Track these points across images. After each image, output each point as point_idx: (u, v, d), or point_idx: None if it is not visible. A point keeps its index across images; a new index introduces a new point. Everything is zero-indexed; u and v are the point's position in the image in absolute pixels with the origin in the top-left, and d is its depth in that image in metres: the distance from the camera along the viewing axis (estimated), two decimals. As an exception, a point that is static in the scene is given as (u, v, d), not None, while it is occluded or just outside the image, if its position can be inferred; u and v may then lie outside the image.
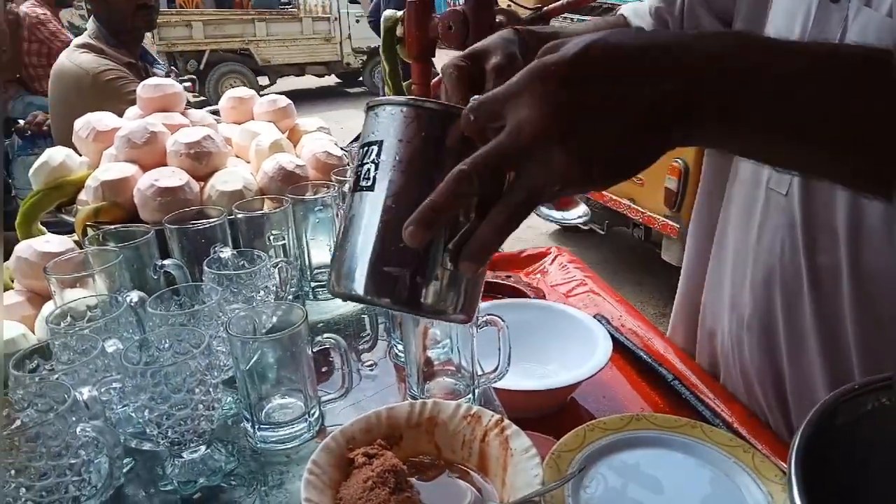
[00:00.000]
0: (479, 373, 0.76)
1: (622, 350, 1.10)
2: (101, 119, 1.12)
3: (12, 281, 0.94)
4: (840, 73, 0.42)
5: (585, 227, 3.81)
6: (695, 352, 1.08)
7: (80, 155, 1.12)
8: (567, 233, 4.23)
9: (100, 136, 1.10)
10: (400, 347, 0.87)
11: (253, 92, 1.30)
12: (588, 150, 0.40)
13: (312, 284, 1.02)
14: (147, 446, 0.65)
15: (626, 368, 1.07)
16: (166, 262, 0.85)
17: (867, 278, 0.69)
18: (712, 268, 0.98)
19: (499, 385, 0.86)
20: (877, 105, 0.41)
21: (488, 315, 0.74)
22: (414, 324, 0.73)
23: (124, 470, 0.67)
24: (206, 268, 0.80)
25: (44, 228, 1.07)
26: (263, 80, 9.30)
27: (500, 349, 0.75)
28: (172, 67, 7.07)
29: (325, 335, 0.71)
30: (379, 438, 0.62)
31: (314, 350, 0.71)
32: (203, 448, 0.66)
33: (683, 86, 0.40)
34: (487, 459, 0.61)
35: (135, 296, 0.77)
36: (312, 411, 0.72)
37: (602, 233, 3.65)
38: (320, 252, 1.02)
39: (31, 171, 1.05)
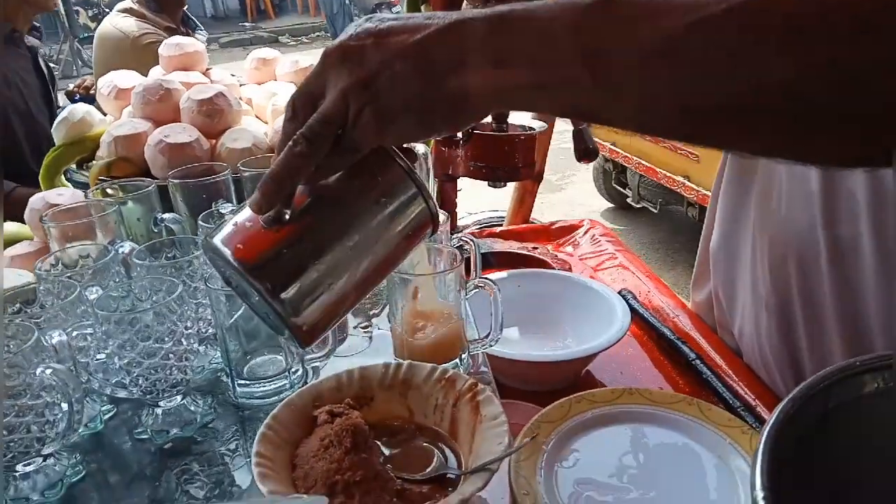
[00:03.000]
0: (471, 339, 0.72)
1: (646, 326, 1.05)
2: (124, 77, 1.13)
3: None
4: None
5: (637, 205, 3.68)
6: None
7: (105, 113, 1.14)
8: (619, 211, 4.10)
9: (121, 93, 1.11)
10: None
11: (277, 53, 1.28)
12: (390, 106, 0.43)
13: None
14: (123, 394, 0.64)
15: (649, 345, 1.02)
16: (166, 215, 0.84)
17: (891, 251, 0.62)
18: (730, 243, 0.91)
19: (509, 355, 0.83)
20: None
21: (480, 279, 0.70)
22: (402, 285, 0.70)
23: (105, 417, 0.68)
24: (200, 222, 0.79)
25: (67, 183, 1.09)
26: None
27: (492, 315, 0.71)
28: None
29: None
30: (348, 398, 0.59)
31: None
32: (178, 399, 0.66)
33: (458, 39, 0.41)
34: (458, 425, 0.57)
35: (127, 246, 0.77)
36: (294, 368, 0.70)
37: (655, 211, 3.52)
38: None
39: (53, 126, 1.06)
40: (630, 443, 0.59)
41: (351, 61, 0.43)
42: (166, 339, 0.61)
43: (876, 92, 0.33)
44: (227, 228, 0.48)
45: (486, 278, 0.71)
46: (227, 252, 0.46)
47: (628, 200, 3.77)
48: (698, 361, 0.93)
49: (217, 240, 0.47)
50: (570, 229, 1.48)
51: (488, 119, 1.19)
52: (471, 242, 0.82)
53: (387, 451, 0.57)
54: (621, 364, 0.98)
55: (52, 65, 1.98)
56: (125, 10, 1.71)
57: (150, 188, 0.85)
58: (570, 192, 4.63)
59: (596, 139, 3.92)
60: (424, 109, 0.44)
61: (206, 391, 0.72)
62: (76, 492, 0.60)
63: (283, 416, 0.56)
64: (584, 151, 1.25)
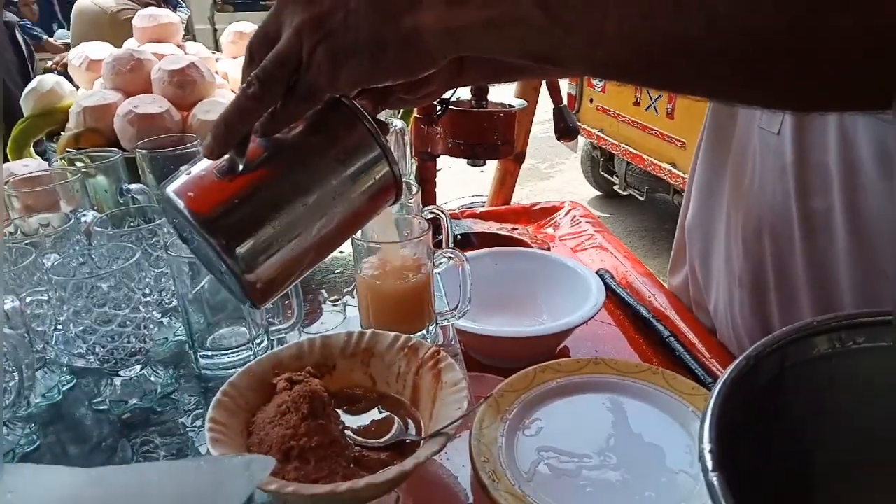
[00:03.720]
0: (438, 310, 0.71)
1: (622, 305, 1.05)
2: (95, 48, 1.10)
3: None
4: None
5: (624, 193, 3.68)
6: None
7: (77, 86, 1.11)
8: (606, 199, 4.10)
9: (93, 64, 1.08)
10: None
11: (255, 26, 1.26)
12: (343, 44, 0.42)
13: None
14: (81, 363, 0.63)
15: (625, 324, 1.02)
16: (132, 186, 0.82)
17: (863, 224, 0.61)
18: (705, 219, 0.90)
19: (483, 330, 0.82)
20: None
21: (448, 250, 0.69)
22: (367, 253, 0.69)
23: (64, 388, 0.66)
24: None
25: (36, 155, 1.07)
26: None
27: (460, 286, 0.70)
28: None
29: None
30: (309, 366, 0.58)
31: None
32: (138, 369, 0.64)
33: None
34: (420, 393, 0.57)
35: (90, 216, 0.75)
36: (258, 340, 0.69)
37: (642, 199, 3.52)
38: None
39: (22, 97, 1.04)
40: (593, 411, 0.58)
41: None
42: (123, 306, 0.59)
43: (832, 29, 0.32)
44: (182, 178, 0.46)
45: (454, 250, 0.70)
46: (180, 202, 0.44)
47: (615, 188, 3.77)
48: (672, 339, 0.93)
49: (170, 189, 0.45)
50: (551, 210, 1.47)
51: (468, 96, 1.18)
52: (442, 214, 0.81)
53: (347, 419, 0.56)
54: (596, 342, 0.97)
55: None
56: (103, -15, 1.69)
57: (116, 158, 0.84)
58: (557, 179, 4.63)
59: (584, 126, 3.92)
60: (378, 49, 0.42)
61: (168, 362, 0.70)
62: (30, 462, 0.58)
63: (241, 383, 0.55)
64: (564, 130, 1.24)
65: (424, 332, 0.69)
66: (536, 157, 4.97)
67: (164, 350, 0.73)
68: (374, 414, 0.57)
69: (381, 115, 1.10)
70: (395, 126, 1.09)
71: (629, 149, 3.36)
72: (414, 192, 0.75)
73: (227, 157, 0.45)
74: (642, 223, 3.84)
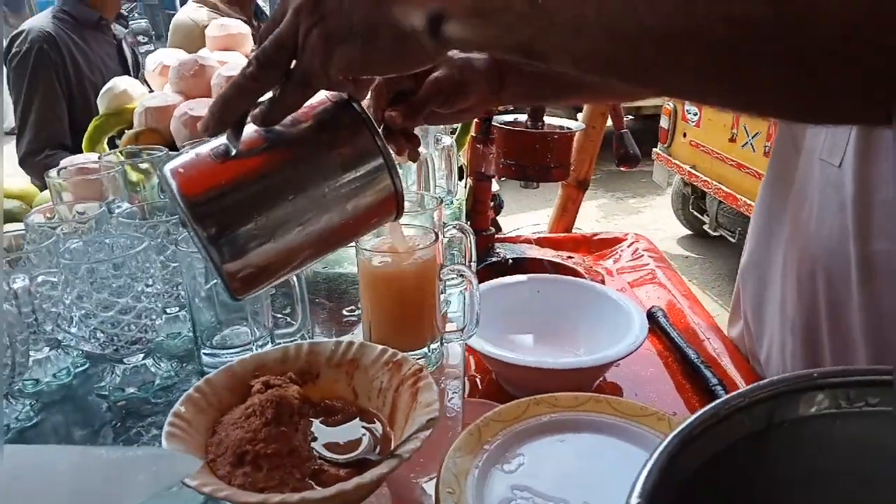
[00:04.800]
0: (443, 329, 0.68)
1: (672, 347, 0.97)
2: (169, 54, 1.16)
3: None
4: None
5: (715, 233, 3.48)
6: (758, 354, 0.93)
7: (151, 90, 1.18)
8: (696, 238, 3.90)
9: (165, 69, 1.14)
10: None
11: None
12: (337, 27, 0.42)
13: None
14: (86, 348, 0.64)
15: (673, 367, 0.95)
16: (173, 183, 0.85)
17: None
18: (761, 261, 0.82)
19: (507, 358, 0.78)
20: None
21: (455, 266, 0.66)
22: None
23: (76, 370, 0.68)
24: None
25: (109, 150, 1.13)
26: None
27: (466, 306, 0.67)
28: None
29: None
30: (292, 372, 0.57)
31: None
32: (140, 357, 0.65)
33: None
34: (396, 411, 0.53)
35: (124, 207, 0.78)
36: (261, 342, 0.68)
37: (733, 241, 3.32)
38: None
39: (98, 97, 1.11)
40: (584, 453, 0.53)
41: None
42: (123, 293, 0.60)
43: (828, 22, 0.27)
44: (181, 157, 0.46)
45: (464, 268, 0.67)
46: (173, 182, 0.44)
47: (705, 227, 3.58)
48: (719, 387, 0.85)
49: (167, 167, 0.45)
50: (612, 242, 1.41)
51: (523, 117, 1.14)
52: (465, 230, 0.78)
53: (321, 431, 0.54)
54: (637, 383, 0.91)
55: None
56: (199, 1, 1.80)
57: (160, 155, 0.87)
58: (647, 215, 4.46)
59: (675, 161, 3.78)
60: (370, 34, 0.43)
61: (177, 356, 0.71)
62: (27, 437, 0.60)
63: (218, 381, 0.54)
64: (624, 156, 1.18)
65: (426, 349, 0.66)
66: (626, 191, 4.83)
67: (175, 344, 0.74)
68: (349, 428, 0.54)
69: (436, 133, 1.10)
70: (446, 144, 1.08)
71: (722, 187, 3.19)
72: (434, 207, 0.72)
73: (224, 139, 0.45)
74: (734, 266, 3.61)
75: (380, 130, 0.48)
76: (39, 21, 1.80)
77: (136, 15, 8.84)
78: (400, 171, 0.49)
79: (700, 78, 0.33)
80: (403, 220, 0.71)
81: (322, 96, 0.47)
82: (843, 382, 0.35)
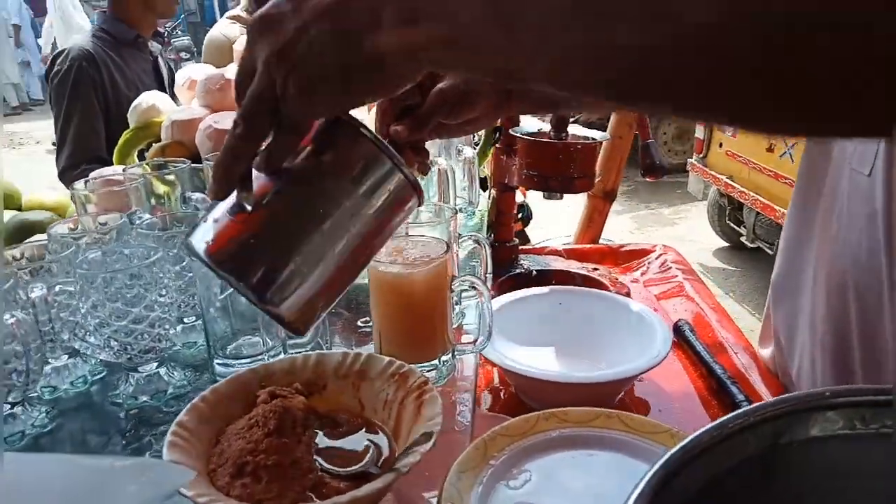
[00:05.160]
0: (457, 341, 0.67)
1: (699, 361, 0.94)
2: (198, 69, 1.19)
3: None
4: None
5: (752, 245, 3.39)
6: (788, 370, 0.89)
7: (180, 104, 1.21)
8: (733, 250, 3.81)
9: (193, 84, 1.17)
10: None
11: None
12: (311, 74, 0.41)
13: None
14: (102, 356, 0.65)
15: (698, 382, 0.91)
16: (194, 195, 0.87)
17: None
18: (792, 274, 0.79)
19: (524, 371, 0.76)
20: None
21: (467, 277, 0.65)
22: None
23: (94, 378, 0.69)
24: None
25: (138, 162, 1.16)
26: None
27: (479, 319, 0.66)
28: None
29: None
30: (298, 383, 0.56)
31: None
32: (154, 366, 0.66)
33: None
34: (401, 424, 0.53)
35: (146, 218, 0.79)
36: (273, 352, 0.68)
37: (771, 253, 3.22)
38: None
39: (129, 111, 1.14)
40: (593, 471, 0.51)
41: (270, 31, 0.42)
42: (136, 303, 0.61)
43: (806, 52, 0.26)
44: (202, 225, 0.46)
45: (476, 279, 0.66)
46: (204, 256, 0.44)
47: (742, 239, 3.49)
48: (745, 403, 0.81)
49: (192, 238, 0.46)
50: (640, 254, 1.38)
51: (547, 127, 1.13)
52: (481, 241, 0.77)
53: (326, 443, 0.53)
54: (661, 398, 0.88)
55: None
56: (233, 17, 1.84)
57: (182, 167, 0.88)
58: (682, 227, 4.38)
59: (711, 172, 3.71)
60: (344, 75, 0.41)
61: (192, 366, 0.72)
62: (42, 444, 0.61)
63: (224, 391, 0.54)
64: (650, 167, 1.16)
65: (437, 361, 0.65)
66: (662, 202, 4.75)
67: (191, 353, 0.74)
68: (354, 441, 0.54)
69: (458, 144, 1.09)
70: (467, 156, 1.07)
71: (759, 198, 3.10)
72: (449, 217, 0.72)
73: (235, 198, 0.45)
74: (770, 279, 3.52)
75: (380, 138, 0.47)
76: (80, 40, 1.86)
77: (179, 32, 9.11)
78: (421, 183, 0.50)
79: (685, 98, 0.31)
80: (421, 230, 0.72)
81: None
82: (858, 402, 0.33)
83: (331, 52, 0.40)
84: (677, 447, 0.29)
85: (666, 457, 0.29)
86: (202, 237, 0.45)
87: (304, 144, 0.46)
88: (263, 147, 0.45)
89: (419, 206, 0.50)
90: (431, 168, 0.97)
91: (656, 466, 0.29)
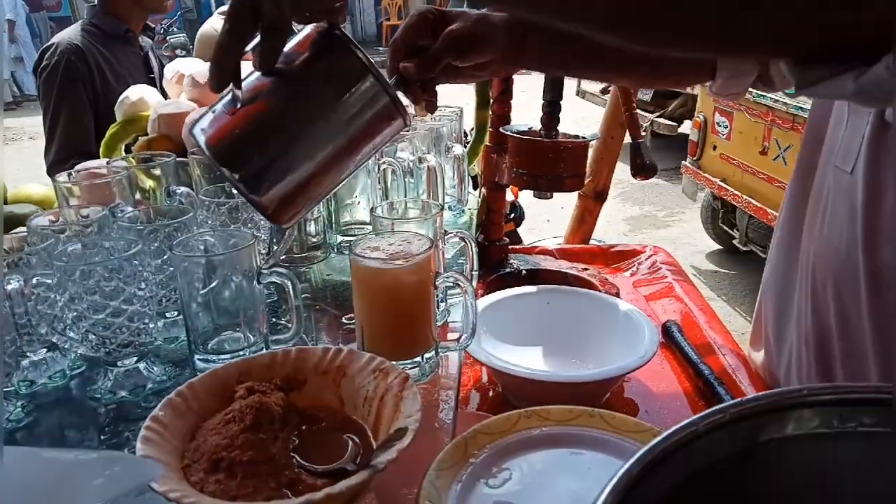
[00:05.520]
0: (442, 338, 0.67)
1: (686, 362, 0.94)
2: (187, 63, 1.18)
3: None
4: None
5: (745, 248, 3.40)
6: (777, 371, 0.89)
7: (168, 98, 1.19)
8: (726, 253, 3.82)
9: (181, 78, 1.15)
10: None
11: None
12: None
13: (338, 239, 0.99)
14: (80, 350, 0.64)
15: (686, 383, 0.91)
16: (179, 188, 0.85)
17: None
18: (782, 272, 0.79)
19: (510, 369, 0.76)
20: None
21: (450, 274, 0.65)
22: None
23: (73, 372, 0.68)
24: (201, 196, 0.79)
25: (125, 156, 1.15)
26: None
27: (463, 315, 0.65)
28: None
29: (273, 269, 0.66)
30: (278, 378, 0.55)
31: (263, 284, 0.66)
32: (133, 360, 0.65)
33: None
34: (381, 420, 0.52)
35: (129, 210, 0.78)
36: (254, 347, 0.67)
37: (763, 256, 3.22)
38: (355, 209, 0.98)
39: (116, 105, 1.13)
40: (574, 470, 0.50)
41: None
42: (114, 296, 0.60)
43: None
44: (203, 118, 0.53)
45: (459, 276, 0.65)
46: (200, 139, 0.51)
47: (735, 242, 3.50)
48: (731, 405, 0.81)
49: (196, 128, 0.52)
50: (630, 254, 1.37)
51: (537, 126, 1.13)
52: (466, 238, 0.76)
53: (304, 439, 0.52)
54: (648, 399, 0.88)
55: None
56: (223, 13, 1.83)
57: (167, 160, 0.87)
58: (675, 229, 4.38)
59: (705, 175, 3.71)
60: None
61: (173, 361, 0.71)
62: (16, 438, 0.60)
63: (201, 386, 0.53)
64: (640, 166, 1.15)
65: (419, 359, 0.64)
66: (656, 204, 4.75)
67: (173, 348, 0.73)
68: (333, 437, 0.53)
69: (447, 141, 1.08)
70: (456, 153, 1.07)
71: (752, 201, 3.11)
72: (434, 213, 0.71)
73: (230, 92, 0.51)
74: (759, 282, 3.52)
75: (384, 75, 0.54)
76: (69, 34, 1.85)
77: (175, 29, 9.08)
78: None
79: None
80: (408, 227, 0.71)
81: (309, 30, 0.53)
82: (835, 400, 0.32)
83: None
84: (650, 444, 0.29)
85: (639, 454, 0.29)
86: (201, 125, 0.52)
87: (299, 54, 0.52)
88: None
89: (405, 127, 0.56)
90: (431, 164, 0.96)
91: (629, 464, 0.28)
